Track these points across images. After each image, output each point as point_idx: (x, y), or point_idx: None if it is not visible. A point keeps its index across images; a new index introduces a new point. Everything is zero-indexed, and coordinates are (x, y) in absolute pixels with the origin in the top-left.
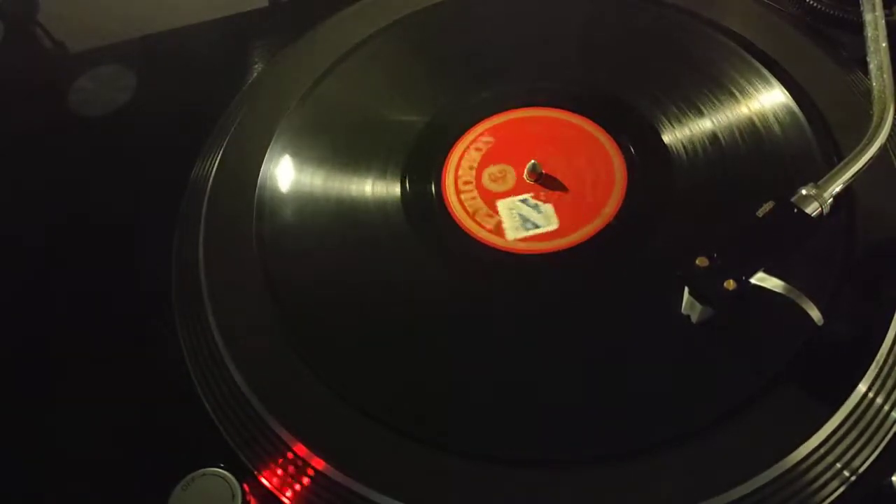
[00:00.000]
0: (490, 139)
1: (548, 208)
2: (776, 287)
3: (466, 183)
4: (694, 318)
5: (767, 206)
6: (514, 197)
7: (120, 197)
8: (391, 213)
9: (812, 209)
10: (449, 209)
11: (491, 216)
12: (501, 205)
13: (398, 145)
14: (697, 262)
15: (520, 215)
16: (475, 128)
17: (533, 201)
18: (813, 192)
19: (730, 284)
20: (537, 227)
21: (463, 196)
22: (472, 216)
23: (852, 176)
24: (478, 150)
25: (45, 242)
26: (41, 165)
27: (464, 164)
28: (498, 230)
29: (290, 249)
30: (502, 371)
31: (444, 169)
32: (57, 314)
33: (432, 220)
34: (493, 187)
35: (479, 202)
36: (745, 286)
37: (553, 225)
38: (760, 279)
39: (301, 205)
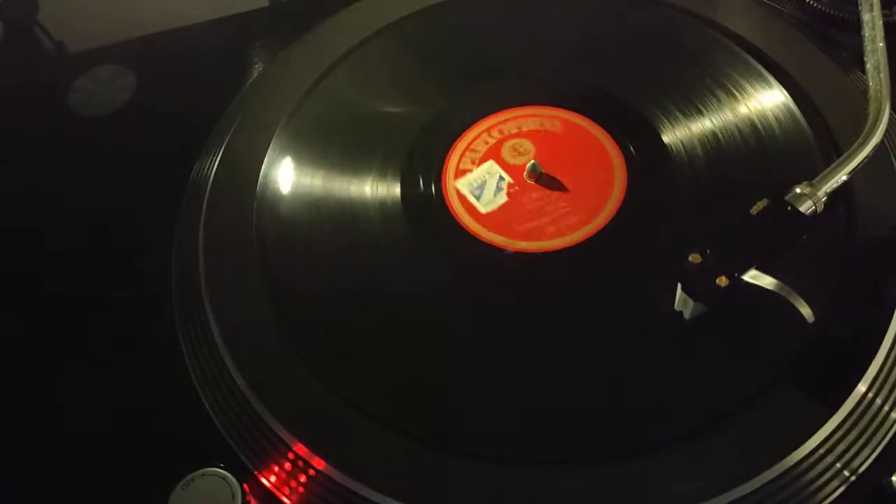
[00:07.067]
0: (542, 123)
1: (502, 196)
2: (768, 285)
3: (489, 139)
4: (686, 315)
5: (761, 204)
6: (500, 167)
7: (120, 197)
8: (391, 213)
9: (806, 207)
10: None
11: (472, 162)
12: (487, 163)
13: (398, 145)
14: (690, 258)
15: (484, 180)
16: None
17: (503, 183)
18: (807, 190)
19: (722, 281)
20: (478, 198)
21: (474, 145)
22: (461, 154)
23: (847, 174)
24: (530, 127)
25: (44, 242)
26: (41, 165)
27: (508, 125)
28: (460, 172)
29: (290, 249)
30: (502, 371)
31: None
32: (56, 314)
33: (432, 220)
34: (505, 155)
35: (479, 154)
36: (737, 283)
37: (487, 208)
38: (753, 277)
39: (301, 205)
